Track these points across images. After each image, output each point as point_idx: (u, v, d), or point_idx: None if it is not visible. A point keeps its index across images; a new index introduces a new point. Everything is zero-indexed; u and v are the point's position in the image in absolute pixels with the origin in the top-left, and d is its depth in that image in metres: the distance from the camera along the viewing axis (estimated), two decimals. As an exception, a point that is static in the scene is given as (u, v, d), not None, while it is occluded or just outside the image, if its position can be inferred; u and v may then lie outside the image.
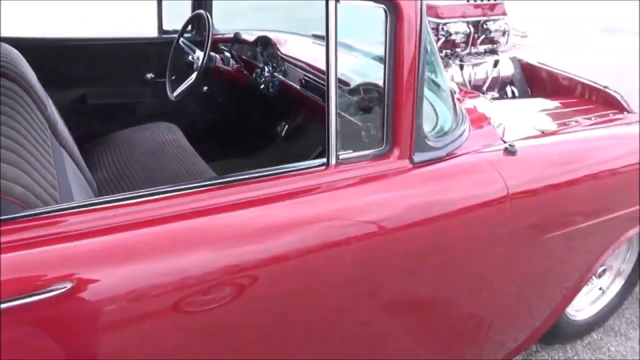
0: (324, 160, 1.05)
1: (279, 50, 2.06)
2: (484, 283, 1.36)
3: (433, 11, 2.20)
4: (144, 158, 1.85)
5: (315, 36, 2.25)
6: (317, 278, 1.03)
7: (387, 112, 1.10)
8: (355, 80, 1.45)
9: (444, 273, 1.25)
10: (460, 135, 1.27)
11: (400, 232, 1.10)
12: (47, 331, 0.73)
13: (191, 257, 0.88)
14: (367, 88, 1.25)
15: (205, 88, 2.31)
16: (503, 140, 1.37)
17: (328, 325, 1.10)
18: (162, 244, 0.86)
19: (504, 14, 2.39)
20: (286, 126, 2.38)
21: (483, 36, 2.35)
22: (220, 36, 2.30)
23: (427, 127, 1.17)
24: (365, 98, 1.23)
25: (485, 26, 2.35)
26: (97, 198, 0.85)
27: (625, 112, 2.07)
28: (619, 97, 2.17)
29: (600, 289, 1.99)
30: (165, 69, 2.19)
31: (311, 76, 1.85)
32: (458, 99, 1.46)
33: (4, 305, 0.69)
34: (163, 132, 2.03)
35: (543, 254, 1.44)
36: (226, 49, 2.24)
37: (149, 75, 2.25)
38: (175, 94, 2.01)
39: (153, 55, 2.24)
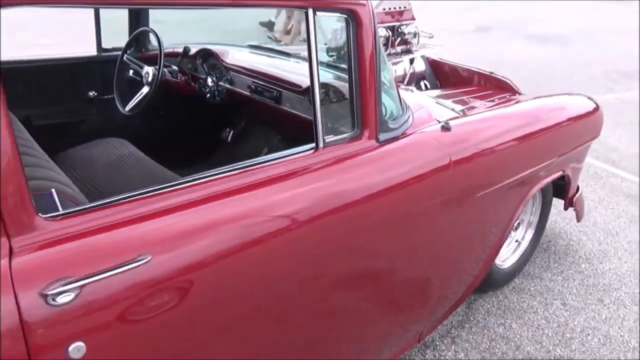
0: (313, 145, 1.25)
1: (222, 61, 2.22)
2: (437, 243, 1.64)
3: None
4: (107, 172, 1.90)
5: (252, 46, 2.44)
6: (321, 242, 1.23)
7: (356, 102, 1.33)
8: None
9: (408, 237, 1.51)
10: (408, 118, 1.54)
11: (377, 199, 1.34)
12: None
13: (223, 233, 1.04)
14: (333, 84, 1.47)
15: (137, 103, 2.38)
16: (438, 121, 1.67)
17: (318, 289, 1.29)
18: (202, 222, 1.02)
19: (413, 18, 2.77)
20: (231, 132, 2.53)
21: (399, 38, 2.70)
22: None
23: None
24: (334, 92, 1.46)
25: (399, 30, 2.70)
26: (139, 190, 0.98)
27: (517, 94, 2.51)
28: (510, 83, 2.61)
29: (517, 240, 2.39)
30: (107, 86, 2.24)
31: (260, 82, 2.04)
32: (397, 90, 1.73)
33: (100, 277, 0.82)
34: (116, 147, 2.09)
35: (477, 212, 1.76)
36: (168, 63, 2.35)
37: (92, 93, 2.29)
38: (127, 108, 2.08)
39: (94, 73, 2.29)
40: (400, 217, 1.42)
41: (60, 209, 0.89)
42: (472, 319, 2.16)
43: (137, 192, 0.98)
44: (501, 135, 1.79)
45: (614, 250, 2.72)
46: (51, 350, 0.80)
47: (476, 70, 2.85)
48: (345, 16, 1.28)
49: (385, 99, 1.50)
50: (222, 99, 2.18)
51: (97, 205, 0.90)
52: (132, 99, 2.09)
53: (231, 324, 1.09)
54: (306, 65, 2.10)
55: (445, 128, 1.60)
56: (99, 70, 2.28)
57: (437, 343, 2.01)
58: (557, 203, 2.52)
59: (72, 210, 0.87)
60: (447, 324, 2.10)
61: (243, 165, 1.14)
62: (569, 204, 2.46)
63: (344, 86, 1.40)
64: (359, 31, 1.29)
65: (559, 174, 2.18)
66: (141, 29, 2.23)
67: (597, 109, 2.35)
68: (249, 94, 2.09)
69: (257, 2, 1.23)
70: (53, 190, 0.93)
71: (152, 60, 2.20)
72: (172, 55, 2.32)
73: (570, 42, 8.62)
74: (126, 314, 0.86)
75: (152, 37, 2.41)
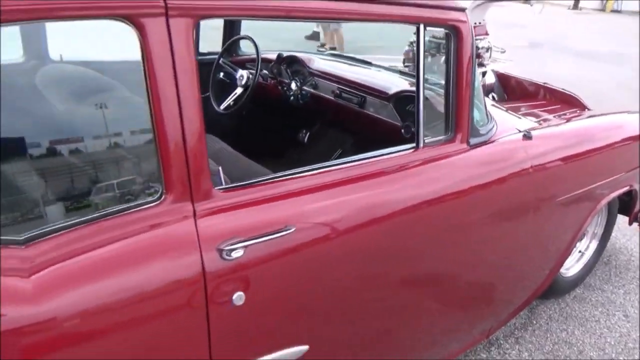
0: (414, 144, 1.40)
1: (307, 67, 2.40)
2: (514, 243, 1.75)
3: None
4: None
5: (333, 54, 2.62)
6: (417, 233, 1.37)
7: (452, 107, 1.47)
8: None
9: (492, 235, 1.63)
10: (493, 126, 1.67)
11: (466, 197, 1.47)
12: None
13: (344, 214, 1.19)
14: (429, 92, 1.61)
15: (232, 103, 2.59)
16: (518, 130, 1.79)
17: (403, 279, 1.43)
18: (329, 203, 1.18)
19: (487, 34, 2.88)
20: (307, 133, 2.71)
21: (473, 52, 2.82)
22: (247, 57, 2.61)
23: (471, 119, 1.56)
24: (427, 98, 1.60)
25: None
26: (281, 172, 1.15)
27: (586, 109, 2.58)
28: (578, 98, 2.68)
29: (580, 251, 2.46)
30: (202, 87, 2.46)
31: (345, 87, 2.20)
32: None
33: (261, 240, 0.99)
34: (209, 142, 2.29)
35: (551, 218, 1.85)
36: (251, 67, 2.55)
37: None
38: (222, 107, 2.29)
39: None
40: (485, 216, 1.55)
41: (223, 184, 1.07)
42: (534, 322, 2.24)
43: (269, 177, 1.15)
44: (576, 146, 1.89)
45: (677, 269, 2.74)
46: (221, 297, 0.97)
47: (542, 84, 2.93)
48: (447, 31, 1.42)
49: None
50: (305, 102, 2.35)
51: (248, 184, 1.07)
52: (225, 99, 2.30)
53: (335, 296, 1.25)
54: (387, 73, 2.27)
55: (527, 137, 1.72)
56: None
57: (502, 342, 2.11)
58: (618, 220, 2.57)
59: (234, 185, 1.05)
60: (510, 325, 2.19)
61: (354, 159, 1.30)
62: (634, 218, 2.51)
63: (432, 93, 1.54)
64: (459, 44, 1.44)
65: (627, 188, 2.24)
66: (241, 35, 2.44)
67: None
68: (332, 98, 2.25)
69: (371, 17, 1.38)
70: (220, 169, 1.11)
71: (242, 64, 2.41)
72: (251, 60, 2.52)
73: (624, 60, 8.52)
74: (276, 272, 1.02)
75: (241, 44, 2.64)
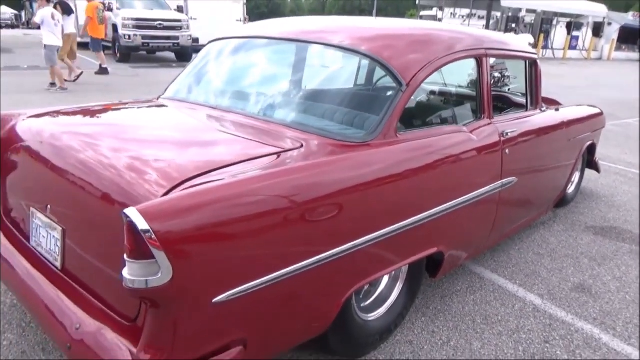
0: (525, 109, 3.32)
1: None
2: (556, 165, 3.68)
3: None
4: None
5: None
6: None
7: (534, 95, 3.40)
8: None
9: (555, 154, 3.55)
10: (544, 105, 3.65)
11: (550, 131, 3.39)
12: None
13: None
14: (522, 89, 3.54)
15: None
16: (551, 108, 3.77)
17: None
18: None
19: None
20: None
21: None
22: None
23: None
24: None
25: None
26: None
27: (561, 104, 4.69)
28: (555, 99, 4.80)
29: (572, 181, 4.49)
30: None
31: None
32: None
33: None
34: None
35: (568, 148, 3.81)
36: None
37: None
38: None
39: None
40: (554, 141, 3.48)
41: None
42: (558, 217, 4.20)
43: (501, 115, 3.01)
44: (575, 115, 3.92)
45: (618, 193, 4.87)
46: (503, 148, 2.77)
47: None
48: (532, 62, 3.38)
49: (536, 96, 3.61)
50: None
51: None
52: None
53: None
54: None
55: (557, 110, 3.71)
56: None
57: (547, 222, 4.04)
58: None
59: (498, 117, 2.88)
60: (547, 217, 4.14)
61: (519, 111, 3.19)
62: (594, 163, 4.62)
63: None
64: (536, 68, 3.39)
65: (591, 141, 4.33)
66: None
67: (602, 113, 4.56)
68: None
69: (512, 58, 3.30)
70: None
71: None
72: None
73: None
74: (519, 143, 2.86)
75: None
